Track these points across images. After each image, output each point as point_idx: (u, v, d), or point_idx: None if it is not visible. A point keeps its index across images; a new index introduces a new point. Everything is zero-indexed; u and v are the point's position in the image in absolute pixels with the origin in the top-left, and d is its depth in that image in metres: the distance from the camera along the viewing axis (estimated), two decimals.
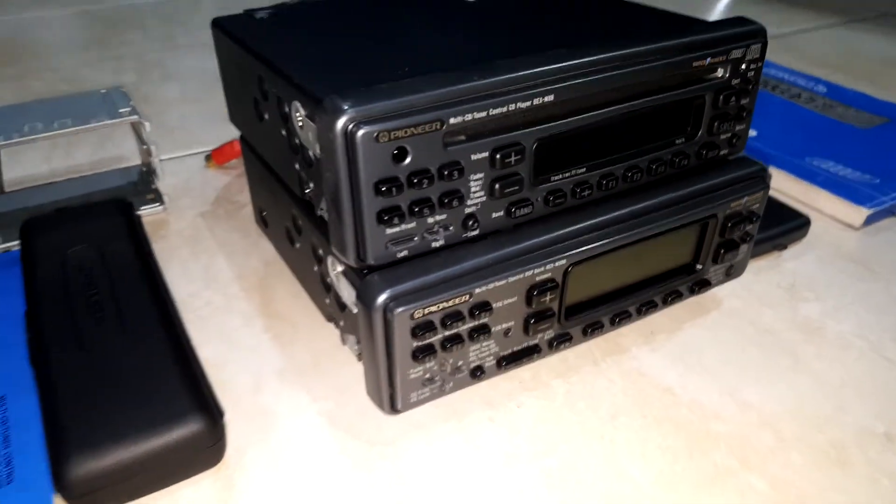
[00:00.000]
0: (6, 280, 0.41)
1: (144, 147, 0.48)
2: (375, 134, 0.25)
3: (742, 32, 0.33)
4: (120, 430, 0.28)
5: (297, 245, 0.37)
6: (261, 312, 0.40)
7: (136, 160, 0.54)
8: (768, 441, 0.33)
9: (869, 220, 0.49)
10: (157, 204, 0.49)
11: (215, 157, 0.54)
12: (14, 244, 0.45)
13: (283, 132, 0.32)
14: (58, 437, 0.28)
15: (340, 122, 0.25)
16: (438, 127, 0.26)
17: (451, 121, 0.27)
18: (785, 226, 0.47)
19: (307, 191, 0.32)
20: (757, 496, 0.30)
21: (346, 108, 0.25)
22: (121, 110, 0.47)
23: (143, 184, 0.51)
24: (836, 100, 0.66)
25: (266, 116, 0.34)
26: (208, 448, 0.30)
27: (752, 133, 0.60)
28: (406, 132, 0.26)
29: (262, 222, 0.44)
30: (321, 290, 0.35)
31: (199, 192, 0.51)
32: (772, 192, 0.53)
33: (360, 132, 0.25)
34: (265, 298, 0.41)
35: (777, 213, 0.48)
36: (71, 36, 0.85)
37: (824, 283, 0.44)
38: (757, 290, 0.43)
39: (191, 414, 0.29)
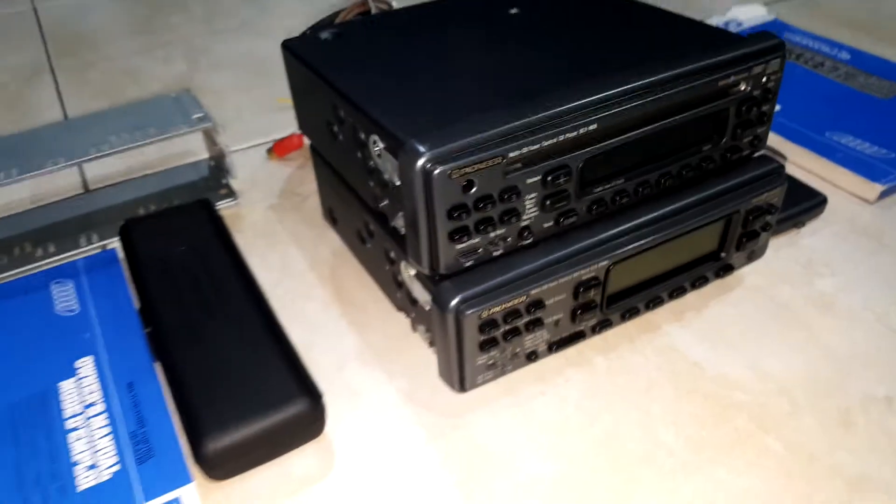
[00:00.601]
0: (113, 278, 0.47)
1: (216, 147, 0.53)
2: (449, 172, 0.30)
3: (763, 49, 0.37)
4: (242, 412, 0.34)
5: (368, 245, 0.42)
6: (335, 299, 0.45)
7: (202, 153, 0.59)
8: (784, 407, 0.38)
9: (883, 195, 0.53)
10: (231, 199, 0.54)
11: (277, 150, 0.59)
12: (109, 242, 0.51)
13: (359, 154, 0.37)
14: (193, 419, 0.34)
15: (420, 163, 0.30)
16: (500, 161, 0.31)
17: (511, 154, 0.31)
18: (803, 205, 0.51)
19: (381, 205, 0.37)
20: (773, 456, 0.36)
21: (424, 151, 0.30)
22: (194, 116, 0.52)
23: (214, 178, 0.56)
24: (858, 68, 0.69)
25: (340, 137, 0.39)
26: (313, 423, 0.36)
27: (777, 108, 0.63)
28: (473, 168, 0.31)
29: (331, 219, 0.49)
30: (392, 286, 0.41)
31: (266, 185, 0.56)
32: (793, 168, 0.57)
33: (437, 171, 0.30)
34: (337, 286, 0.46)
35: (796, 192, 0.52)
36: (116, 21, 0.89)
37: (838, 258, 0.48)
38: (776, 266, 0.47)
39: (298, 396, 0.35)
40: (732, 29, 0.78)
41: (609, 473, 0.35)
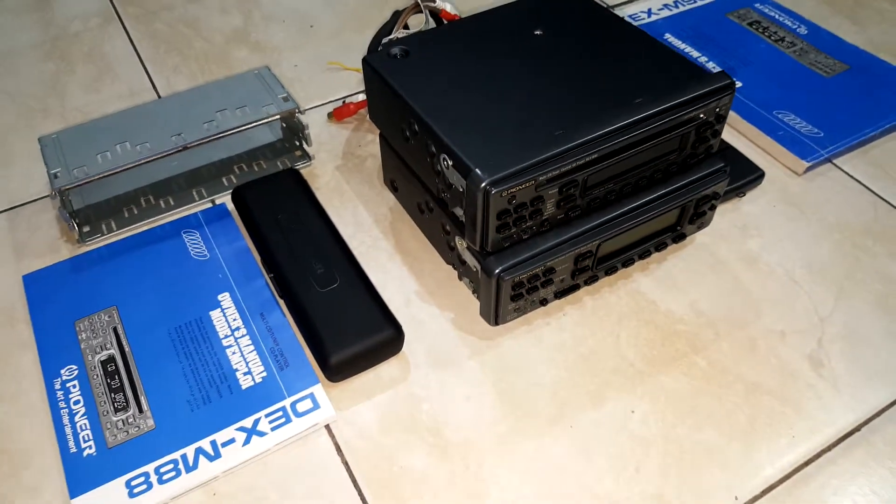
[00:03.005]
0: (227, 229, 0.63)
1: (295, 119, 0.67)
2: (501, 192, 0.46)
3: (719, 87, 0.52)
4: (352, 336, 0.51)
5: (426, 216, 0.58)
6: (397, 250, 0.62)
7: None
8: (710, 335, 0.56)
9: (808, 169, 0.69)
10: (307, 161, 0.69)
11: (336, 115, 0.72)
12: (216, 196, 0.66)
13: (428, 159, 0.52)
14: (319, 341, 0.51)
15: (482, 186, 0.45)
16: (533, 182, 0.47)
17: (540, 178, 0.47)
18: (746, 178, 0.66)
19: (443, 195, 0.53)
20: (699, 370, 0.54)
21: (485, 178, 0.45)
22: (280, 96, 0.66)
23: (288, 140, 0.71)
24: (812, 44, 0.83)
25: (412, 142, 0.54)
26: (396, 344, 0.53)
27: (738, 84, 0.78)
28: (517, 188, 0.46)
29: (392, 188, 0.64)
30: (445, 248, 0.57)
31: (330, 148, 0.71)
32: (744, 141, 0.73)
33: (493, 191, 0.46)
34: (397, 239, 0.63)
35: (741, 167, 0.67)
36: None
37: (767, 223, 0.65)
38: (719, 229, 0.64)
39: (387, 325, 0.52)
40: None
41: (590, 377, 0.54)
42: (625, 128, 0.49)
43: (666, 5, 0.89)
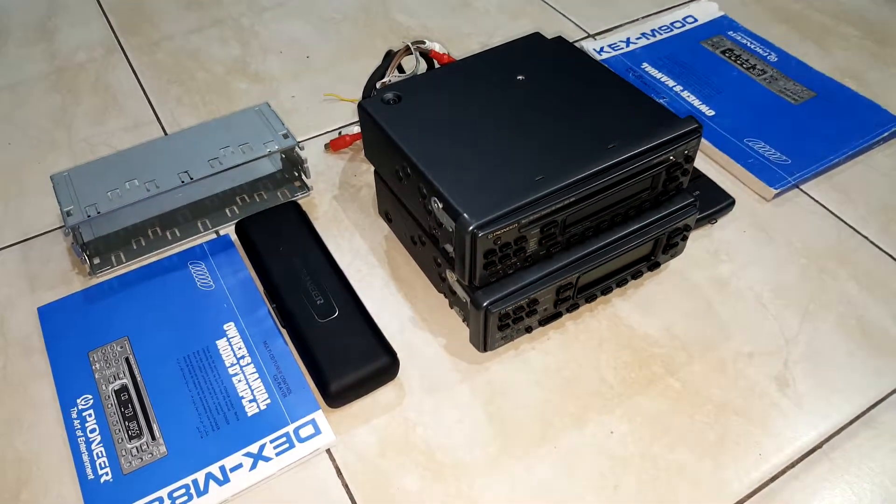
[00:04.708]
0: (231, 259, 0.66)
1: (294, 153, 0.71)
2: (487, 234, 0.50)
3: (688, 131, 0.56)
4: (350, 364, 0.55)
5: (419, 248, 0.62)
6: (392, 277, 0.66)
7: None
8: (683, 358, 0.61)
9: (778, 194, 0.74)
10: (306, 191, 0.72)
11: (332, 146, 0.76)
12: (220, 227, 0.70)
13: (420, 199, 0.56)
14: (320, 369, 0.55)
15: (470, 229, 0.50)
16: (516, 224, 0.51)
17: (523, 221, 0.51)
18: (717, 206, 0.71)
19: (434, 232, 0.57)
20: (673, 390, 0.59)
21: (473, 222, 0.50)
22: (280, 133, 0.69)
23: (287, 171, 0.75)
24: (782, 71, 0.87)
25: (405, 182, 0.58)
26: (392, 371, 0.57)
27: (711, 112, 0.82)
28: (502, 231, 0.50)
29: (387, 219, 0.68)
30: (437, 278, 0.61)
31: (327, 178, 0.75)
32: (715, 167, 0.77)
33: (480, 234, 0.50)
34: (392, 267, 0.67)
35: (713, 195, 0.72)
36: None
37: (737, 248, 0.69)
38: (692, 254, 0.68)
39: (384, 354, 0.56)
40: (688, 25, 0.95)
41: (572, 399, 0.58)
42: (600, 172, 0.53)
43: (644, 34, 0.93)
